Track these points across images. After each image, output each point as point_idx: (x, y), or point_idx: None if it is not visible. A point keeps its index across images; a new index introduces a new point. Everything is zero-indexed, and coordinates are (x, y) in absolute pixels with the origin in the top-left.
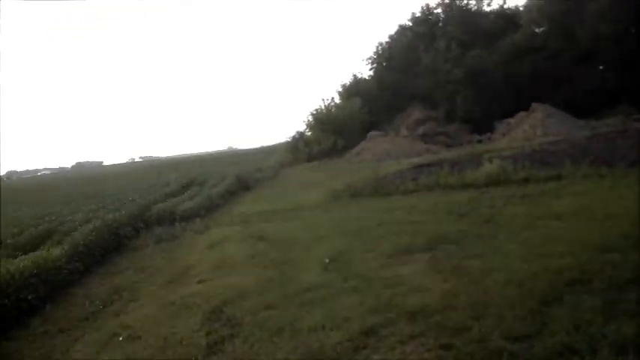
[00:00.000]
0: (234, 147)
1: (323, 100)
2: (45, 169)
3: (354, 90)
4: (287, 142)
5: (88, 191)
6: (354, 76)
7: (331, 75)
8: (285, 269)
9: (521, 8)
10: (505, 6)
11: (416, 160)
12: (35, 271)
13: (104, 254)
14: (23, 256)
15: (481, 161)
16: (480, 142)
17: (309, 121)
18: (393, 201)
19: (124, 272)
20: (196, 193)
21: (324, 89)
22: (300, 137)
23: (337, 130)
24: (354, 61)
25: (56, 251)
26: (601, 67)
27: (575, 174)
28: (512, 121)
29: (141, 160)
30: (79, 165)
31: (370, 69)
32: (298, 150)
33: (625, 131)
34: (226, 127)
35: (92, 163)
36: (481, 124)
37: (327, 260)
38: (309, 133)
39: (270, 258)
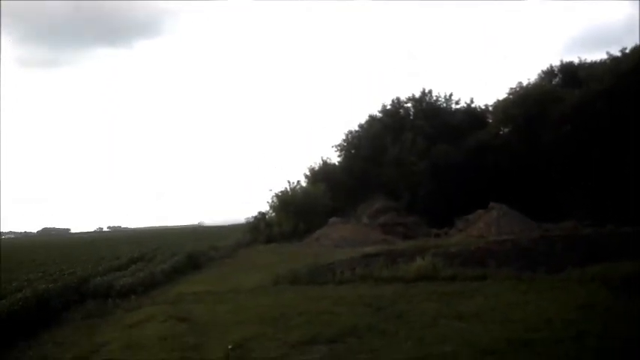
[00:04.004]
0: (205, 222)
1: (289, 182)
2: (10, 232)
3: (320, 175)
4: (248, 222)
5: (38, 259)
6: (323, 161)
7: (303, 157)
8: (190, 354)
9: (490, 108)
10: (472, 105)
11: (366, 250)
12: None
13: (29, 326)
14: None
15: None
16: (437, 235)
17: (273, 202)
18: (326, 290)
19: (43, 346)
20: (141, 269)
21: (293, 171)
22: (261, 217)
23: (300, 214)
24: (324, 146)
25: None
26: (560, 171)
27: (498, 275)
28: (470, 217)
29: (109, 229)
30: (45, 231)
31: (339, 155)
32: (258, 230)
33: (568, 237)
34: (199, 202)
35: (59, 229)
36: (442, 218)
37: (231, 346)
38: (273, 214)
39: (182, 341)
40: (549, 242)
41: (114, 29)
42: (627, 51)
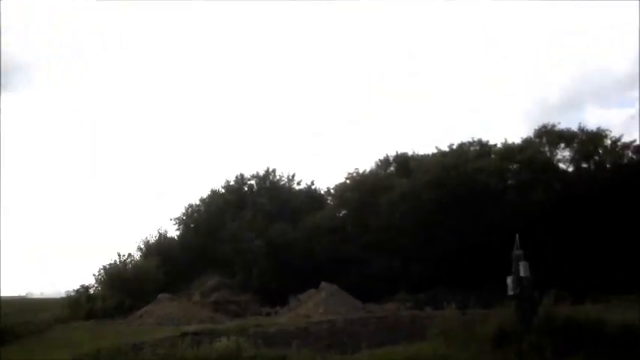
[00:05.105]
0: (34, 293)
1: (119, 255)
2: None
3: (155, 248)
4: (68, 295)
5: None
6: (160, 234)
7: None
8: None
9: (332, 190)
10: (313, 187)
11: (186, 328)
12: None
13: None
14: None
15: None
16: (268, 314)
17: (99, 274)
18: None
19: None
20: None
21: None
22: (84, 291)
23: (128, 289)
24: (162, 219)
25: None
26: (388, 256)
27: (298, 356)
28: (302, 296)
29: None
30: None
31: (177, 229)
32: (79, 305)
33: (384, 318)
34: (29, 270)
35: None
36: (277, 296)
37: None
38: (99, 288)
39: None
40: (364, 323)
41: None
42: (454, 147)
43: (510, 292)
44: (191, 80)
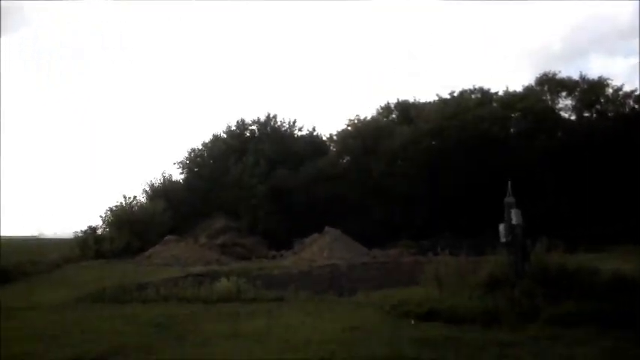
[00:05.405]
0: (46, 233)
1: (125, 197)
2: None
3: (160, 191)
4: (76, 236)
5: None
6: (163, 177)
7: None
8: None
9: (335, 137)
10: (315, 133)
11: (191, 270)
12: None
13: None
14: None
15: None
16: (274, 257)
17: (106, 216)
18: (125, 308)
19: None
20: None
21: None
22: (91, 232)
23: (135, 230)
24: (166, 162)
25: None
26: (389, 203)
27: (296, 298)
28: (306, 240)
29: None
30: None
31: (180, 173)
32: (87, 246)
33: (386, 263)
34: (41, 209)
35: None
36: (282, 240)
37: None
38: (107, 230)
39: None
40: (366, 268)
41: None
42: (455, 95)
43: (503, 240)
44: (194, 35)
